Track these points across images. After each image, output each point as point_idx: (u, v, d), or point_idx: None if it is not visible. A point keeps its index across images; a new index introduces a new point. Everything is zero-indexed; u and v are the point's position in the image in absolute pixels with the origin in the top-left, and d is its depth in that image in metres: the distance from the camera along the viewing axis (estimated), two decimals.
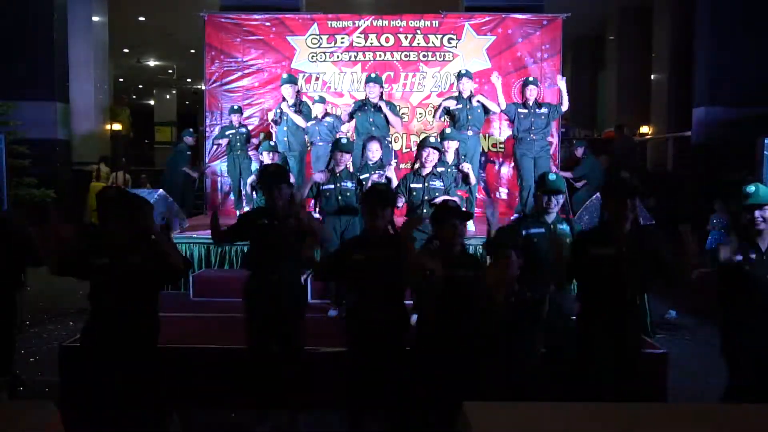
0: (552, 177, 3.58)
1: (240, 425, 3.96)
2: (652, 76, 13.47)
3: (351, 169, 5.50)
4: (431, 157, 5.16)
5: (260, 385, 3.80)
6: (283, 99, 7.04)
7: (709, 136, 8.74)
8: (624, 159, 12.50)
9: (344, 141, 5.44)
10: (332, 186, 5.25)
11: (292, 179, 6.14)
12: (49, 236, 3.07)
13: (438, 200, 4.81)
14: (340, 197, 5.22)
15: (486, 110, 6.86)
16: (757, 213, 3.26)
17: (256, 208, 4.28)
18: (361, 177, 5.59)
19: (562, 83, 6.90)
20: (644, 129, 13.71)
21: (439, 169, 5.44)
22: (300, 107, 7.02)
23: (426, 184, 5.07)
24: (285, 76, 7.23)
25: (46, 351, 5.36)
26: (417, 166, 5.27)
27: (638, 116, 13.86)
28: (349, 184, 5.25)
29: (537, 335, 3.64)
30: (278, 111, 7.06)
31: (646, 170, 12.78)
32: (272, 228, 3.69)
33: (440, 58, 8.26)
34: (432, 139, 5.37)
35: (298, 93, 7.09)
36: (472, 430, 2.15)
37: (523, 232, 3.60)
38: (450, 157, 5.80)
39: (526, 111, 6.86)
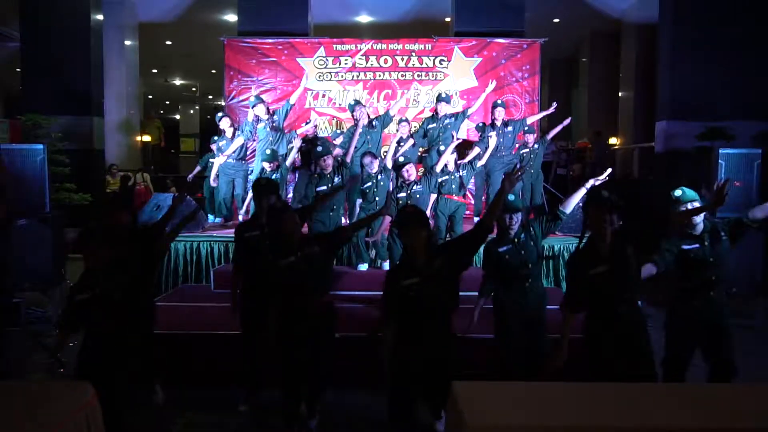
0: (510, 198, 3.64)
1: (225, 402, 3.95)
2: (620, 94, 13.46)
3: (338, 166, 5.55)
4: (411, 171, 5.31)
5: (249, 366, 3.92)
6: (257, 118, 6.90)
7: (670, 146, 8.74)
8: (600, 163, 12.51)
9: (319, 149, 5.57)
10: (325, 187, 5.33)
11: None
12: None
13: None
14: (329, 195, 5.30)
15: (456, 125, 6.97)
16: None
17: (244, 222, 4.29)
18: (364, 186, 5.66)
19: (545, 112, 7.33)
20: (613, 140, 13.69)
21: (444, 177, 5.79)
22: (272, 121, 6.90)
23: (409, 192, 5.14)
24: (252, 99, 7.18)
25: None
26: (401, 181, 5.40)
27: (607, 129, 13.84)
28: (338, 180, 5.40)
29: (517, 333, 3.66)
30: (251, 128, 6.98)
31: (614, 178, 12.77)
32: (260, 237, 3.75)
33: (432, 77, 8.26)
34: (401, 159, 5.56)
35: (269, 110, 6.97)
36: (461, 409, 2.13)
37: (496, 250, 3.69)
38: (451, 167, 5.95)
39: (494, 132, 6.88)
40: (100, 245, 2.97)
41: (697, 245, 3.42)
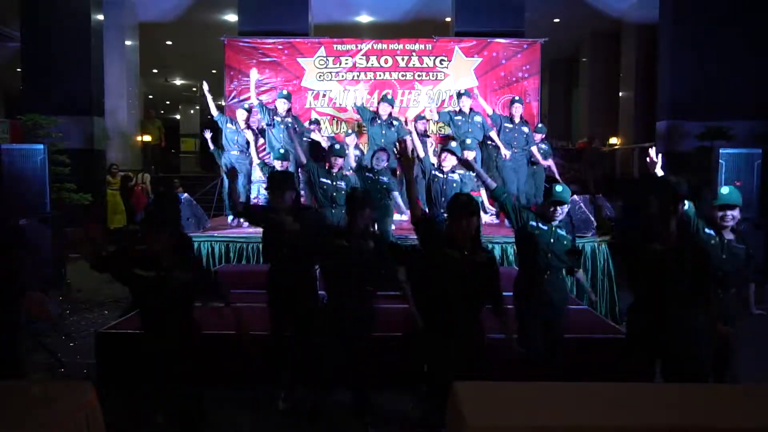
0: (558, 189, 3.54)
1: (262, 400, 3.95)
2: (620, 93, 13.47)
3: (344, 171, 5.60)
4: (447, 160, 5.35)
5: (280, 365, 3.84)
6: (275, 109, 6.92)
7: (670, 146, 8.74)
8: (593, 165, 12.58)
9: (338, 147, 5.66)
10: (329, 182, 5.44)
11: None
12: (83, 236, 3.01)
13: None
14: (335, 194, 5.43)
15: (484, 127, 6.99)
16: (728, 212, 3.31)
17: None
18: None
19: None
20: (613, 140, 13.70)
21: (459, 172, 5.75)
22: (292, 121, 6.90)
23: (445, 176, 5.23)
24: (284, 92, 7.18)
25: (84, 337, 5.34)
26: (437, 164, 5.51)
27: (608, 129, 13.86)
28: (342, 184, 5.46)
29: (537, 323, 3.63)
30: (267, 118, 6.95)
31: (615, 177, 12.79)
32: (282, 228, 3.70)
33: (433, 77, 8.26)
34: (453, 144, 5.66)
35: (290, 110, 7.00)
36: (461, 409, 2.13)
37: (531, 223, 3.60)
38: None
39: (511, 126, 6.94)
40: (162, 229, 2.99)
41: (716, 237, 3.35)
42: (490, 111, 7.23)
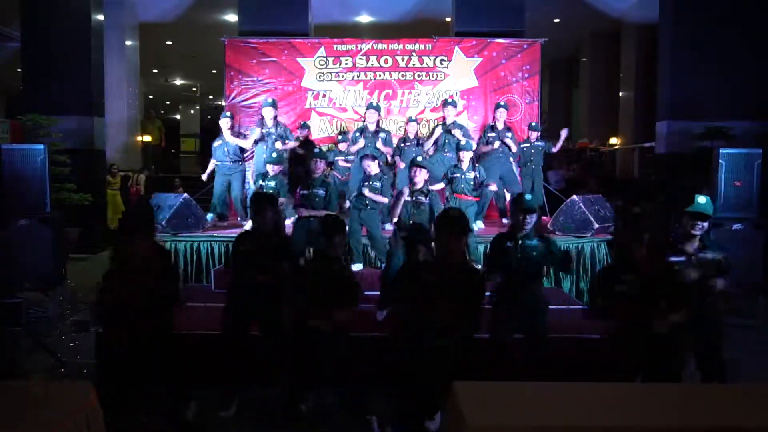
0: (528, 197, 3.64)
1: (259, 401, 3.95)
2: (620, 94, 13.47)
3: (325, 178, 5.54)
4: (419, 174, 5.06)
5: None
6: (262, 119, 6.96)
7: (670, 146, 8.74)
8: (588, 170, 12.65)
9: (317, 150, 5.63)
10: (306, 191, 5.42)
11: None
12: None
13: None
14: (308, 202, 5.36)
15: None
16: (698, 222, 3.34)
17: (245, 233, 4.27)
18: (364, 185, 5.71)
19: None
20: (613, 140, 13.71)
21: (456, 175, 5.82)
22: (277, 129, 6.96)
23: (413, 198, 5.04)
24: (269, 100, 7.18)
25: (83, 337, 5.34)
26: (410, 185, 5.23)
27: (608, 129, 13.87)
28: (320, 191, 5.37)
29: (513, 324, 3.67)
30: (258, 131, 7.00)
31: (614, 176, 12.81)
32: (255, 252, 3.75)
33: (433, 77, 8.26)
34: (419, 159, 5.40)
35: (276, 117, 7.02)
36: (461, 409, 2.13)
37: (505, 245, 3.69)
38: (465, 165, 5.93)
39: (494, 134, 6.97)
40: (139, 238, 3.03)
41: (683, 259, 3.38)
42: (474, 147, 7.04)
